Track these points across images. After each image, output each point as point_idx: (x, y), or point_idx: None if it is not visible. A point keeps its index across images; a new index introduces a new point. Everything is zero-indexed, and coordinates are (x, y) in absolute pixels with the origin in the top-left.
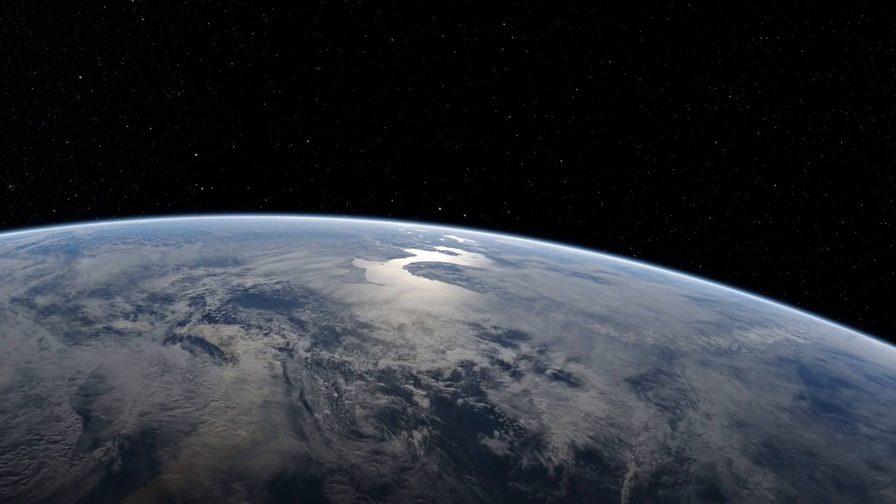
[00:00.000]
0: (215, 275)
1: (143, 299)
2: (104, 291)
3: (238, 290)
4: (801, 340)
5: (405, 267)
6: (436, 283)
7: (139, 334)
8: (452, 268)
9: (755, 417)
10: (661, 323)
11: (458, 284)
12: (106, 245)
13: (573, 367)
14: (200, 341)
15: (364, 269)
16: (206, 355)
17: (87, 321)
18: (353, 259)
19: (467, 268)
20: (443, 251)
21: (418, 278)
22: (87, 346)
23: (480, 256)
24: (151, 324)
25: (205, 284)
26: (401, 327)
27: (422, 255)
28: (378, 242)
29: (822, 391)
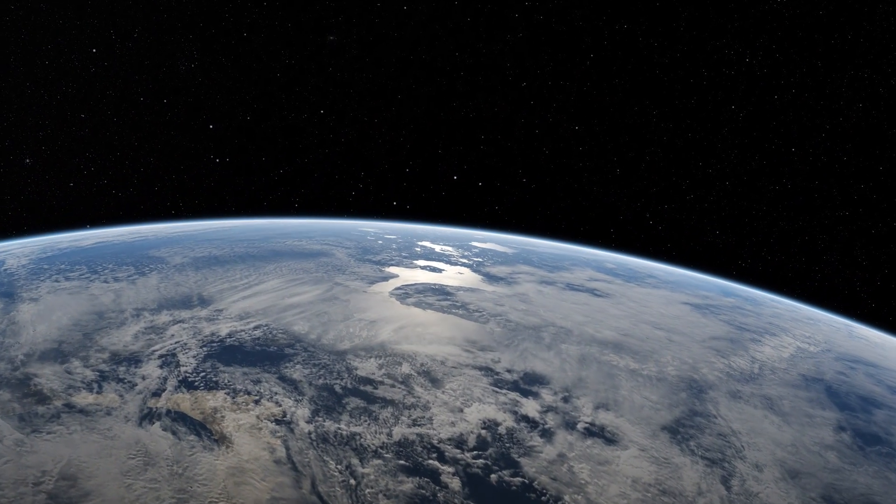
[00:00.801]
0: (182, 321)
1: (104, 361)
2: (56, 352)
3: (214, 342)
4: (811, 348)
5: (392, 293)
6: (431, 315)
7: (108, 412)
8: (442, 291)
9: (805, 463)
10: (676, 345)
11: (455, 313)
12: (47, 283)
13: (604, 417)
14: (182, 417)
15: (348, 301)
16: (192, 437)
17: (42, 397)
18: (333, 286)
19: (458, 289)
20: (425, 267)
21: (409, 308)
22: (49, 433)
23: (466, 271)
24: (120, 396)
25: (173, 335)
26: (407, 380)
27: (405, 275)
28: (352, 261)
29: (858, 418)
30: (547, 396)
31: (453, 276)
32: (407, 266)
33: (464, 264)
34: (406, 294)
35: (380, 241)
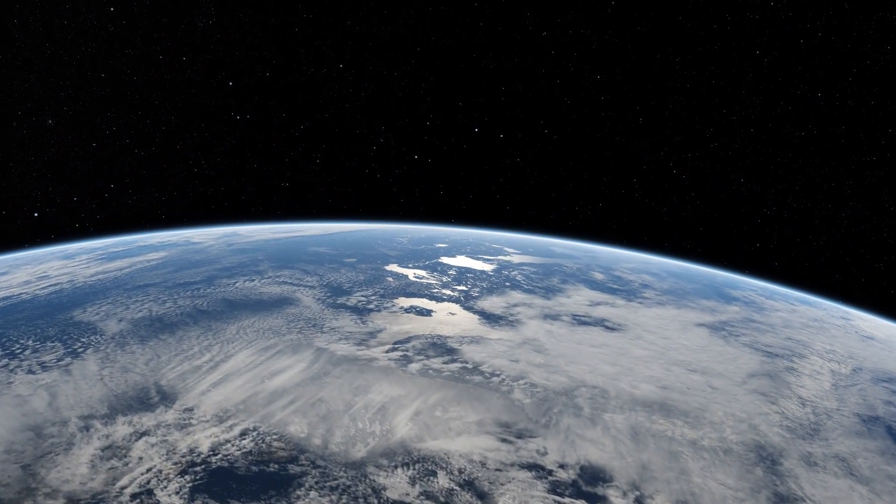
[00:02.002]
0: (147, 432)
1: None
2: None
3: (196, 465)
4: (842, 368)
5: (389, 359)
6: (444, 389)
7: None
8: (443, 346)
9: None
10: (720, 393)
11: (471, 381)
12: None
13: None
14: None
15: (342, 378)
16: None
17: None
18: (316, 355)
19: (460, 341)
20: (410, 309)
21: (415, 379)
22: None
23: (457, 309)
24: None
25: (141, 459)
26: (450, 498)
27: (392, 326)
28: (324, 309)
29: None
30: (617, 501)
31: (445, 318)
32: (389, 310)
33: (449, 297)
34: (405, 357)
35: (344, 272)
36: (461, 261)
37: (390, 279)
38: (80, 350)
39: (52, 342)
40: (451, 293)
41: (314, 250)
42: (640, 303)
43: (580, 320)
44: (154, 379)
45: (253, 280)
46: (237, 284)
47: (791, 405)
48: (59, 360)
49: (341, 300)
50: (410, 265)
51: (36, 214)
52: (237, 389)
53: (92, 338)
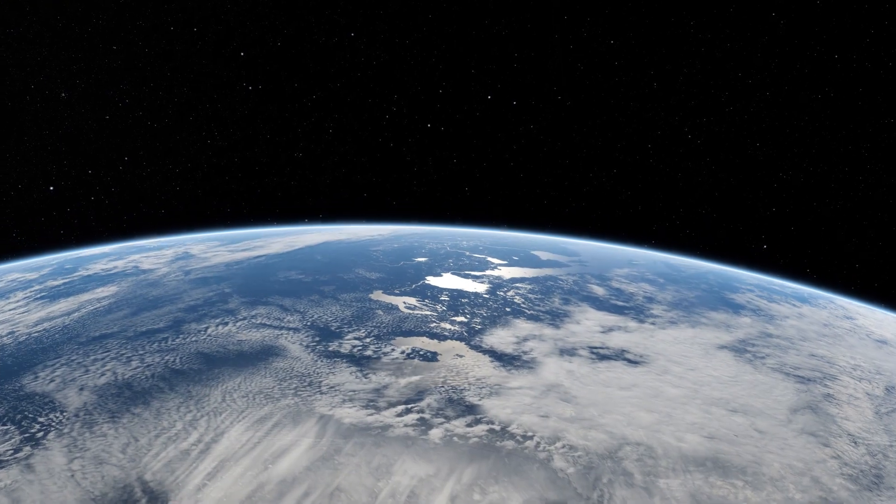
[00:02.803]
0: None
1: None
2: None
3: None
4: (875, 389)
5: (404, 424)
6: (472, 460)
7: None
8: (461, 402)
9: None
10: (769, 438)
11: (505, 447)
12: None
13: None
14: None
15: (353, 455)
16: None
17: None
18: (320, 425)
19: (478, 394)
20: (412, 355)
21: (437, 447)
22: None
23: (463, 349)
24: None
25: None
26: None
27: (398, 381)
28: (317, 360)
29: None
30: None
31: (454, 364)
32: (389, 356)
33: (451, 334)
34: (423, 421)
35: (326, 305)
36: (449, 281)
37: (380, 312)
38: (39, 435)
39: (4, 424)
40: (452, 327)
41: (285, 277)
42: (653, 323)
43: (599, 354)
44: (136, 472)
45: (226, 323)
46: (209, 330)
47: (844, 445)
48: (15, 450)
49: (333, 346)
50: (397, 291)
51: (51, 188)
52: (238, 481)
53: (52, 416)
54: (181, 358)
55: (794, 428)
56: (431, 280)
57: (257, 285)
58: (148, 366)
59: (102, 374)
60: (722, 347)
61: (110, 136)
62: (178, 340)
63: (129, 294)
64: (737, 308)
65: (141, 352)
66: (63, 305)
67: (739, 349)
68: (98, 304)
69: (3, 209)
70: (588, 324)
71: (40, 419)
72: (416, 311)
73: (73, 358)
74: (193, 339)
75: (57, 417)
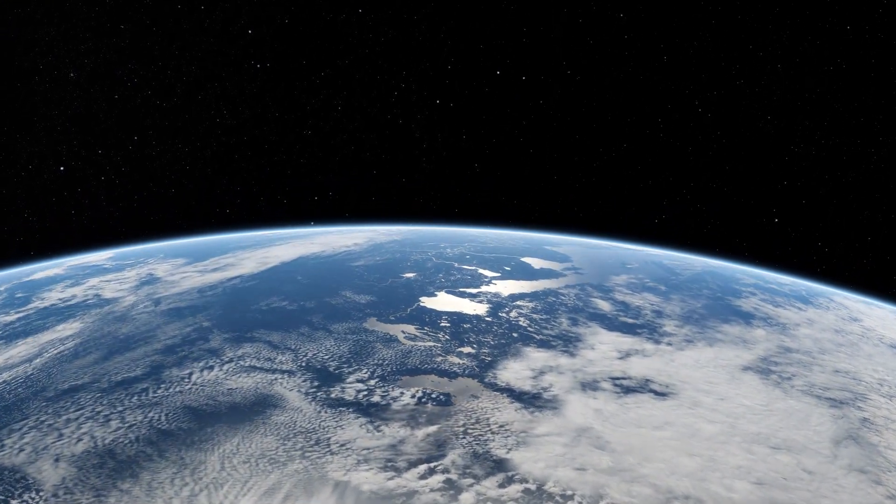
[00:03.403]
0: None
1: None
2: None
3: None
4: None
5: (425, 481)
6: None
7: None
8: (487, 457)
9: None
10: (819, 480)
11: None
12: None
13: None
14: None
15: None
16: None
17: None
18: (333, 490)
19: (505, 446)
20: (425, 397)
21: None
22: None
23: (478, 387)
24: None
25: None
26: None
27: (415, 433)
28: (322, 412)
29: None
30: None
31: (472, 408)
32: (399, 401)
33: (461, 369)
34: (451, 484)
35: (319, 339)
36: (445, 302)
37: (379, 346)
38: None
39: None
40: (461, 361)
41: (267, 304)
42: (669, 343)
43: (623, 386)
44: None
45: (211, 367)
46: (194, 377)
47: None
48: None
49: (335, 391)
50: (392, 317)
51: (62, 168)
52: None
53: (27, 497)
54: (167, 414)
55: (841, 464)
56: (426, 301)
57: (238, 316)
58: (130, 426)
59: (79, 440)
60: (746, 369)
61: (119, 116)
62: (160, 392)
63: (96, 332)
64: (747, 318)
65: (120, 407)
66: (22, 349)
67: (763, 370)
68: (62, 347)
69: (15, 190)
70: (603, 349)
71: (13, 502)
72: (417, 343)
73: (42, 419)
74: (177, 388)
75: (33, 499)
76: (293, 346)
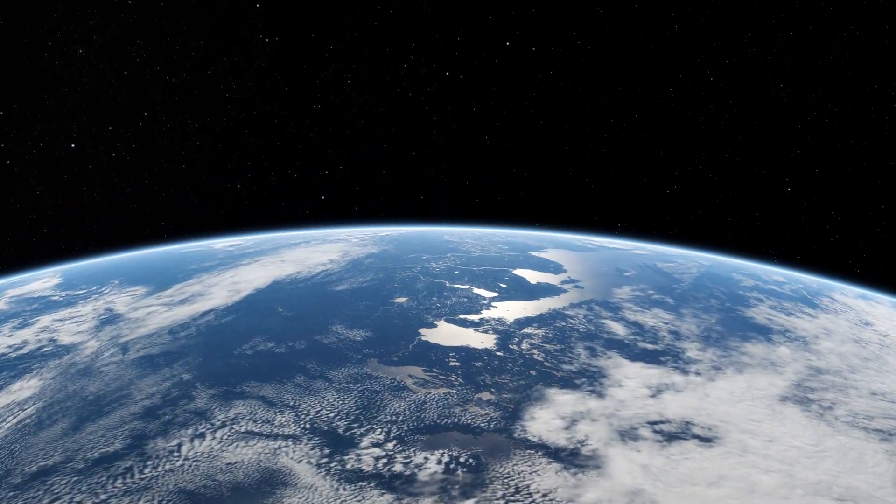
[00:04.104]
0: None
1: None
2: None
3: None
4: None
5: None
6: None
7: None
8: None
9: None
10: None
11: None
12: None
13: None
14: None
15: None
16: None
17: None
18: None
19: None
20: (452, 462)
21: None
22: None
23: (506, 444)
24: None
25: None
26: None
27: None
28: (340, 488)
29: None
30: None
31: (505, 469)
32: (425, 470)
33: (485, 423)
34: None
35: (318, 390)
36: (448, 333)
37: (388, 396)
38: None
39: None
40: (482, 412)
41: (252, 347)
42: (697, 373)
43: (664, 432)
44: None
45: (202, 435)
46: (184, 449)
47: None
48: None
49: (350, 460)
50: (395, 357)
51: (73, 145)
52: None
53: None
54: (161, 503)
55: None
56: (427, 334)
57: (221, 365)
58: None
59: None
60: (784, 399)
61: (129, 92)
62: (147, 471)
63: (60, 392)
64: (765, 333)
65: (103, 495)
66: None
67: (801, 399)
68: (23, 414)
69: (27, 168)
70: (631, 385)
71: None
72: (430, 390)
73: None
74: (167, 467)
75: None
76: (292, 403)
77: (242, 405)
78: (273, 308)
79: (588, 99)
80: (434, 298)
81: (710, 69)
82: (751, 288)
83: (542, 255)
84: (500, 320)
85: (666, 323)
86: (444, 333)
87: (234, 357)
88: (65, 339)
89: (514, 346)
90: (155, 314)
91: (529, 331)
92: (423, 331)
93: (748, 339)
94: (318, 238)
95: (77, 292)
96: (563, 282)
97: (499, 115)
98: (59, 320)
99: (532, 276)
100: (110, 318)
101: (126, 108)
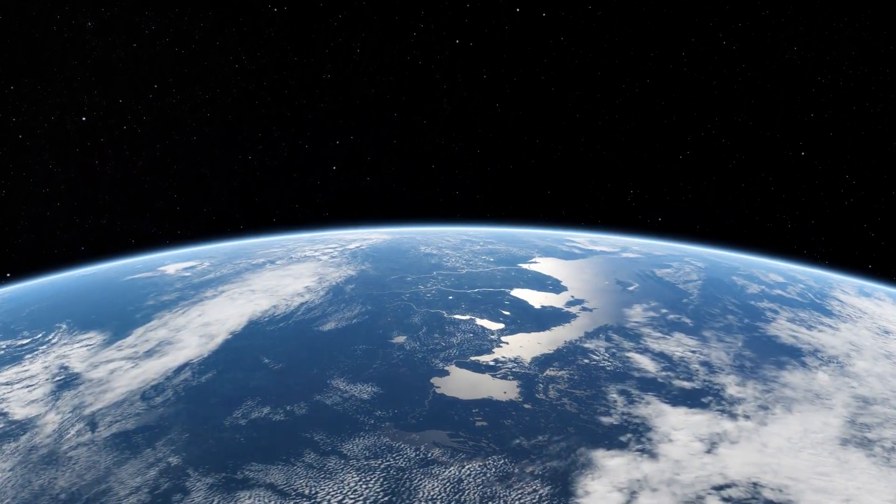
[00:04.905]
0: None
1: None
2: None
3: None
4: None
5: None
6: None
7: None
8: None
9: None
10: None
11: None
12: None
13: None
14: None
15: None
16: None
17: None
18: None
19: None
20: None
21: None
22: None
23: None
24: None
25: None
26: None
27: None
28: None
29: None
30: None
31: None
32: None
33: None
34: None
35: (336, 465)
36: (464, 383)
37: (418, 474)
38: None
39: None
40: (530, 489)
41: (245, 416)
42: (746, 416)
43: (734, 500)
44: None
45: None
46: None
47: None
48: None
49: None
50: (411, 419)
51: (83, 119)
52: None
53: None
54: None
55: None
56: (441, 385)
57: (213, 441)
58: None
59: None
60: (844, 443)
61: (138, 65)
62: None
63: (24, 491)
64: (796, 356)
65: None
66: None
67: (861, 441)
68: None
69: (39, 142)
70: (681, 438)
71: None
72: (463, 464)
73: None
74: None
75: None
76: (307, 491)
77: (249, 499)
78: (258, 359)
79: (596, 68)
80: (436, 335)
81: (721, 32)
82: (759, 296)
83: (533, 267)
84: (516, 361)
85: (693, 352)
86: (460, 383)
87: (227, 430)
88: (17, 412)
89: (541, 396)
90: (120, 372)
91: (552, 373)
92: (435, 381)
93: (783, 365)
94: (282, 255)
95: (20, 342)
96: (569, 303)
97: (510, 82)
98: (5, 384)
99: (533, 299)
100: (67, 380)
101: (135, 81)
